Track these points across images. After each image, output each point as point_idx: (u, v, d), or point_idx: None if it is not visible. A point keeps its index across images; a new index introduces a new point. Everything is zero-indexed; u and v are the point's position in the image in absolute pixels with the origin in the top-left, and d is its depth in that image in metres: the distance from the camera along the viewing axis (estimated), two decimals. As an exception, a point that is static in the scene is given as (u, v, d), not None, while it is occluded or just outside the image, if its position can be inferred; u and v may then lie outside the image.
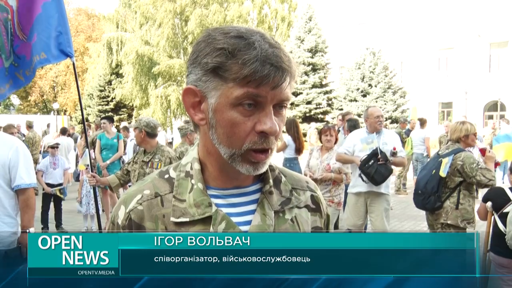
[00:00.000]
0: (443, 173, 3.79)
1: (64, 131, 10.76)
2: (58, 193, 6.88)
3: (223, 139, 0.84)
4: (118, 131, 9.03)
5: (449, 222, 3.81)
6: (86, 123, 13.85)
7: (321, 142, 5.24)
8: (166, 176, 0.94)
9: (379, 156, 4.55)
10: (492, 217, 3.52)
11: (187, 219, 0.86)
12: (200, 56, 0.83)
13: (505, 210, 3.34)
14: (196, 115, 0.87)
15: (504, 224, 3.30)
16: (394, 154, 4.69)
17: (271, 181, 0.93)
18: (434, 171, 3.89)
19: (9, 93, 3.56)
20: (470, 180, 3.78)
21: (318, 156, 5.07)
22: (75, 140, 12.00)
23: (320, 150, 5.14)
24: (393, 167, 4.89)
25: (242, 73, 0.78)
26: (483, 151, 4.00)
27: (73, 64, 3.79)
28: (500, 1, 26.77)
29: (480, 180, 3.73)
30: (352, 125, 6.24)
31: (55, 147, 7.16)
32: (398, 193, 9.70)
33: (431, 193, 3.87)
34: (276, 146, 0.88)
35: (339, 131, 7.15)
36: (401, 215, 7.83)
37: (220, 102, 0.81)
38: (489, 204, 3.54)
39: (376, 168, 4.57)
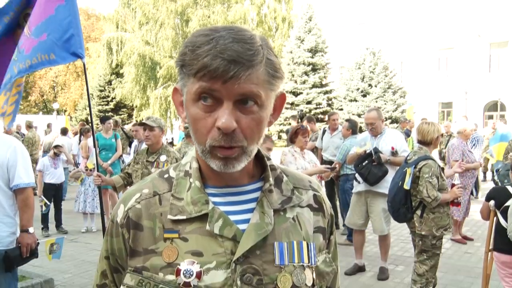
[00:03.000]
0: (406, 186, 3.67)
1: (64, 132, 10.74)
2: (43, 205, 6.79)
3: (193, 135, 0.85)
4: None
5: (423, 233, 3.68)
6: (81, 123, 13.73)
7: (293, 142, 4.83)
8: (166, 175, 0.94)
9: (373, 157, 4.56)
10: (495, 216, 3.52)
11: (184, 217, 0.86)
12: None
13: (506, 204, 3.33)
14: (182, 113, 0.89)
15: (506, 219, 3.29)
16: (393, 154, 4.69)
17: (271, 179, 0.93)
18: (400, 182, 3.76)
19: (4, 87, 3.56)
20: (417, 187, 3.68)
21: (301, 157, 4.78)
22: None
23: (300, 151, 4.81)
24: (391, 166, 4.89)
25: (194, 67, 0.79)
26: (453, 185, 3.90)
27: (84, 64, 3.81)
28: (500, 1, 26.78)
29: (420, 191, 3.61)
30: (354, 125, 6.24)
31: (58, 154, 7.14)
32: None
33: (399, 206, 3.76)
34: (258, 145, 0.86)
35: (324, 131, 7.13)
36: (401, 215, 7.82)
37: (187, 98, 0.84)
38: (491, 202, 3.53)
39: (370, 169, 4.57)
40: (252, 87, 0.79)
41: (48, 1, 3.51)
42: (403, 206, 3.74)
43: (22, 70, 3.48)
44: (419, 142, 3.90)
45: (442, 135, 3.91)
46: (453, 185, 3.84)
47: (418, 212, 3.72)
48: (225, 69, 0.77)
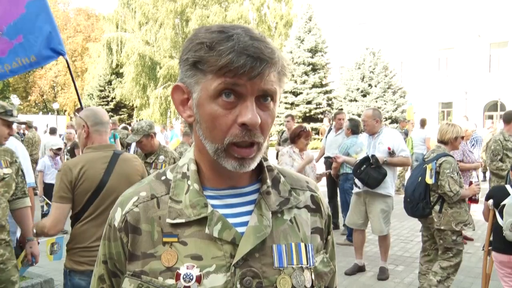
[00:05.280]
0: (430, 180, 3.74)
1: (53, 131, 10.63)
2: (45, 205, 6.78)
3: (206, 133, 0.83)
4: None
5: (442, 227, 3.76)
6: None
7: (294, 142, 4.85)
8: (163, 177, 0.93)
9: (371, 160, 4.57)
10: (494, 215, 3.52)
11: (183, 220, 0.85)
12: (184, 53, 0.84)
13: (503, 203, 3.33)
14: (184, 112, 0.87)
15: (503, 218, 3.30)
16: (390, 154, 4.69)
17: (268, 181, 0.92)
18: (420, 178, 3.84)
19: None
20: (438, 182, 3.75)
21: (300, 158, 4.79)
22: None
23: (300, 152, 4.83)
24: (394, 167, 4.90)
25: (217, 64, 0.78)
26: (471, 183, 4.00)
27: (67, 61, 3.69)
28: (500, 1, 26.77)
29: (443, 186, 3.69)
30: (354, 125, 6.23)
31: (57, 154, 7.12)
32: (398, 193, 9.68)
33: (419, 200, 3.82)
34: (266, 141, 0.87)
35: (330, 129, 7.18)
36: (401, 215, 7.81)
37: (202, 96, 0.82)
38: (490, 201, 3.54)
39: (369, 173, 4.58)
40: (272, 83, 0.81)
41: None
42: (422, 201, 3.81)
43: (2, 74, 3.39)
44: (438, 141, 4.03)
45: (462, 137, 4.00)
46: (471, 183, 3.94)
47: (436, 207, 3.80)
48: (252, 65, 0.77)
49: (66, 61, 3.69)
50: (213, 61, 0.78)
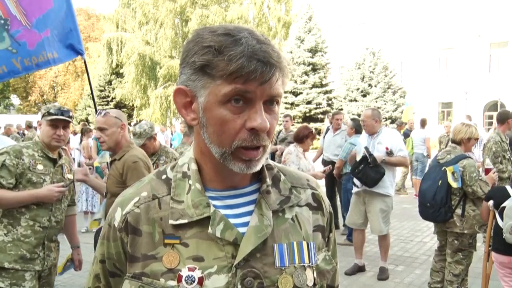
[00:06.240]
0: (455, 183, 3.64)
1: (29, 126, 10.54)
2: None
3: (213, 138, 0.83)
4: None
5: (466, 231, 3.71)
6: (82, 123, 13.68)
7: (300, 142, 4.92)
8: (164, 176, 0.92)
9: (369, 160, 4.58)
10: (494, 216, 3.51)
11: (186, 221, 0.85)
12: (189, 56, 0.82)
13: (503, 205, 3.33)
14: (188, 115, 0.86)
15: (503, 219, 3.30)
16: (388, 154, 4.70)
17: (268, 180, 0.92)
18: (440, 181, 3.73)
19: (1, 80, 3.39)
20: (465, 189, 3.69)
21: (304, 158, 4.85)
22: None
23: (303, 152, 4.91)
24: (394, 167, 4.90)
25: (228, 69, 0.77)
26: (487, 171, 3.93)
27: (84, 61, 3.69)
28: (500, 1, 26.77)
29: (475, 191, 3.64)
30: (358, 125, 6.25)
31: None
32: (398, 193, 9.69)
33: (441, 205, 3.72)
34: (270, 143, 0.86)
35: (328, 129, 7.20)
36: (401, 215, 7.82)
37: (209, 100, 0.81)
38: (490, 202, 3.53)
39: (367, 172, 4.58)
40: (280, 88, 0.82)
41: None
42: (445, 205, 3.72)
43: (29, 67, 3.35)
44: (452, 141, 3.96)
45: (476, 139, 3.93)
46: (487, 170, 3.87)
47: (458, 211, 3.73)
48: (263, 71, 0.77)
49: (84, 61, 3.70)
50: (223, 66, 0.77)
